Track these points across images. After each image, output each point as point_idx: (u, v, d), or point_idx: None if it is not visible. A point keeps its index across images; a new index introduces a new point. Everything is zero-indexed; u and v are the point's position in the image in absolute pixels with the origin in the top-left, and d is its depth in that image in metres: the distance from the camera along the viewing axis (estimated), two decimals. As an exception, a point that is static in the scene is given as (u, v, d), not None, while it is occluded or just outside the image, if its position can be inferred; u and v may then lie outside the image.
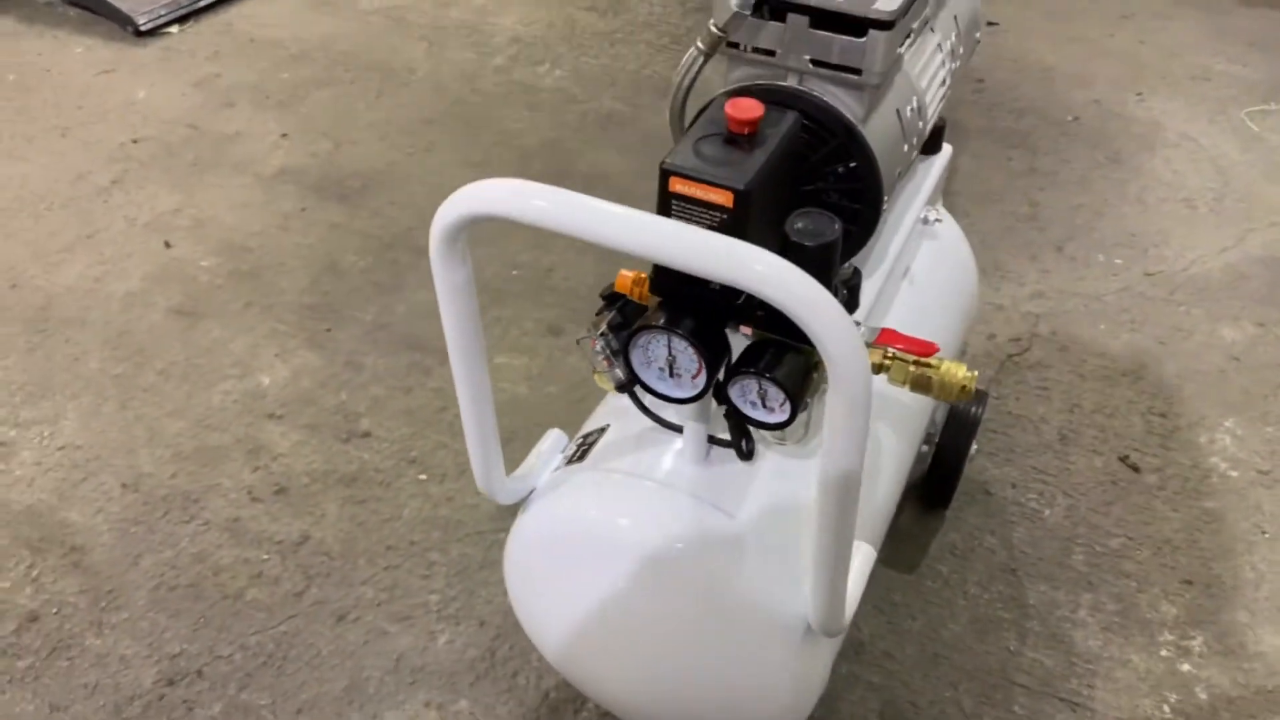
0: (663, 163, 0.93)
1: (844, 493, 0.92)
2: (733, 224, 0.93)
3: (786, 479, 1.23)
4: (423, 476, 1.91)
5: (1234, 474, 1.93)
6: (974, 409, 1.76)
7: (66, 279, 2.34)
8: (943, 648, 1.67)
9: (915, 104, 1.21)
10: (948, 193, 2.59)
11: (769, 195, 0.96)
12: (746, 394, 1.03)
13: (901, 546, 1.82)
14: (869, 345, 1.03)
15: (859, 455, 0.88)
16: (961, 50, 1.39)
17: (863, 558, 1.23)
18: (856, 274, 1.23)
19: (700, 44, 1.07)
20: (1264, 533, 1.83)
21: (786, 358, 0.99)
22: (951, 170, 1.67)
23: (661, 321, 0.99)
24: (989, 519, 1.87)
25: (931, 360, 1.02)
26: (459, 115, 2.91)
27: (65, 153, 2.74)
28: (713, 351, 1.00)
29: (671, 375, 1.02)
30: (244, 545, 1.79)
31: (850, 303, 1.04)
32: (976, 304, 1.76)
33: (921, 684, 1.62)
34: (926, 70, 1.27)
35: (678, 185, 0.92)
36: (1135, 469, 1.97)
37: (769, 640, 1.17)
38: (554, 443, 1.33)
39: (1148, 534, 1.84)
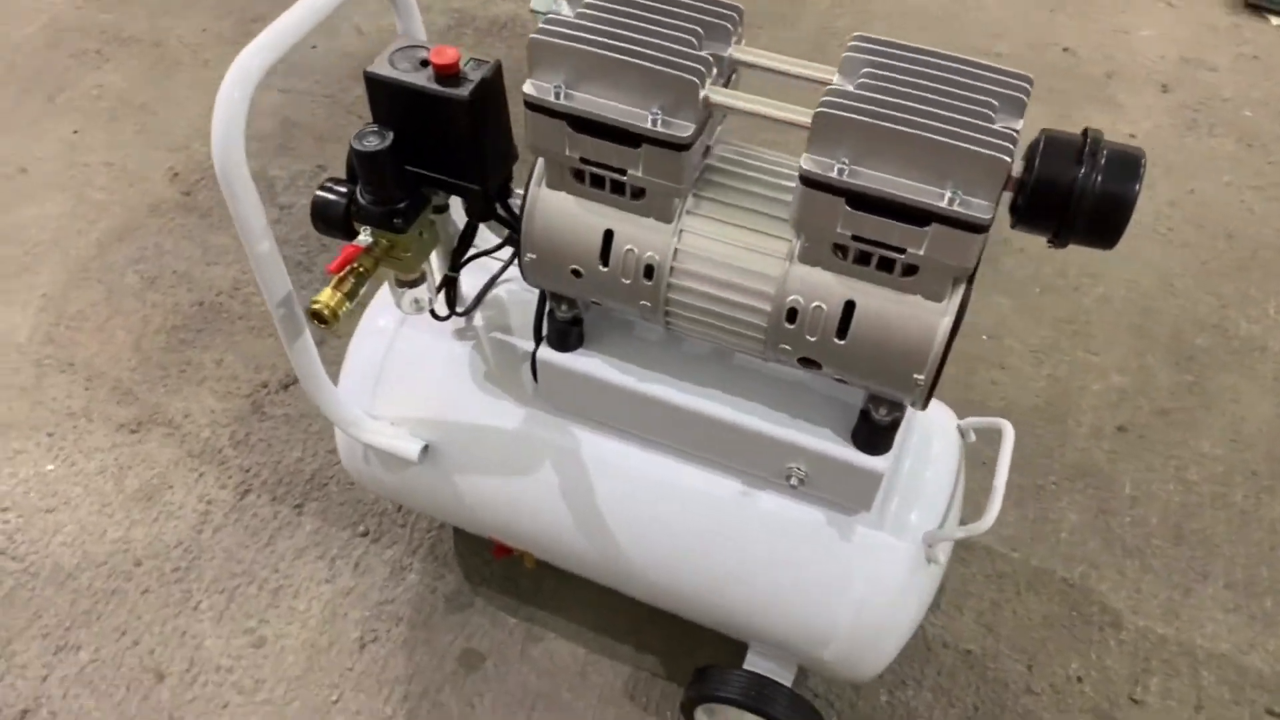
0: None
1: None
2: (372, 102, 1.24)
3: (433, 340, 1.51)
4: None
5: None
6: (763, 698, 1.51)
7: None
8: None
9: (658, 265, 1.15)
10: None
11: (419, 108, 1.17)
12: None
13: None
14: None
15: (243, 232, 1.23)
16: (842, 344, 1.12)
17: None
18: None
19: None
20: None
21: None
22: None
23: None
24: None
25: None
26: None
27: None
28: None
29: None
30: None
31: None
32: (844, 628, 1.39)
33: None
34: (716, 266, 1.13)
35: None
36: None
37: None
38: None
39: None
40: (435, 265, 1.48)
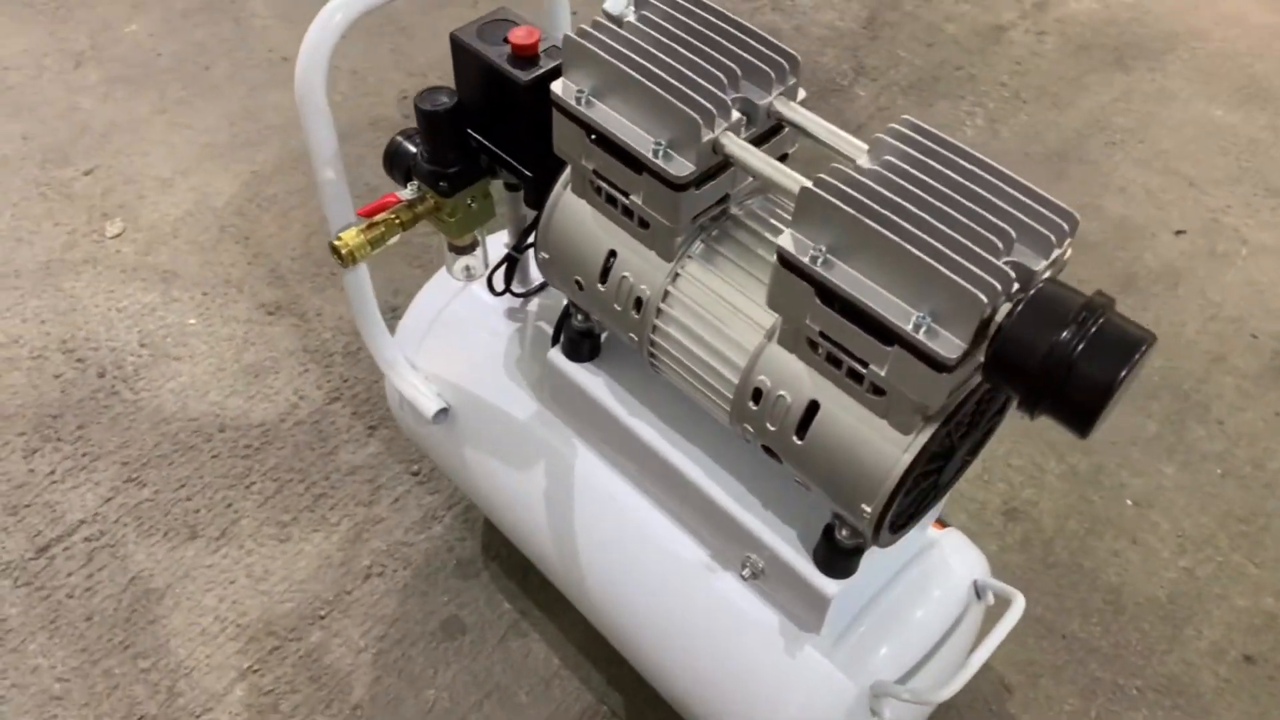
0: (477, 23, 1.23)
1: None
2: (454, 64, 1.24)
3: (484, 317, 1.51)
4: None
5: None
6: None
7: None
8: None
9: (647, 301, 1.08)
10: None
11: (488, 81, 1.18)
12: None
13: None
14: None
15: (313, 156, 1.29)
16: (800, 444, 1.00)
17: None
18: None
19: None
20: None
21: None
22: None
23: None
24: None
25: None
26: None
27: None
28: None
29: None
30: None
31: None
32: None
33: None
34: (698, 321, 1.04)
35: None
36: None
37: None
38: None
39: None
40: (498, 240, 1.48)
